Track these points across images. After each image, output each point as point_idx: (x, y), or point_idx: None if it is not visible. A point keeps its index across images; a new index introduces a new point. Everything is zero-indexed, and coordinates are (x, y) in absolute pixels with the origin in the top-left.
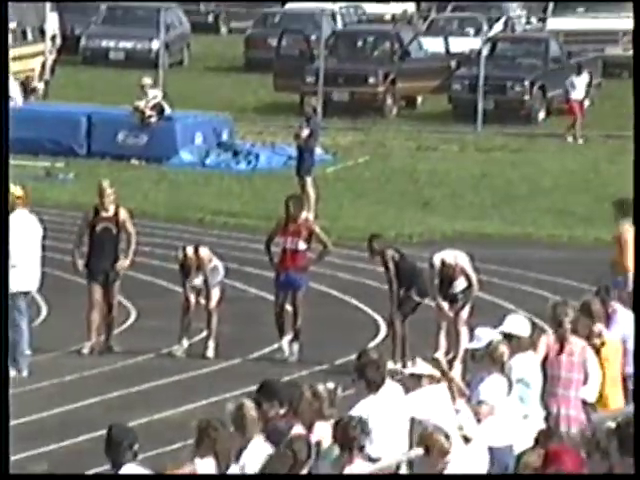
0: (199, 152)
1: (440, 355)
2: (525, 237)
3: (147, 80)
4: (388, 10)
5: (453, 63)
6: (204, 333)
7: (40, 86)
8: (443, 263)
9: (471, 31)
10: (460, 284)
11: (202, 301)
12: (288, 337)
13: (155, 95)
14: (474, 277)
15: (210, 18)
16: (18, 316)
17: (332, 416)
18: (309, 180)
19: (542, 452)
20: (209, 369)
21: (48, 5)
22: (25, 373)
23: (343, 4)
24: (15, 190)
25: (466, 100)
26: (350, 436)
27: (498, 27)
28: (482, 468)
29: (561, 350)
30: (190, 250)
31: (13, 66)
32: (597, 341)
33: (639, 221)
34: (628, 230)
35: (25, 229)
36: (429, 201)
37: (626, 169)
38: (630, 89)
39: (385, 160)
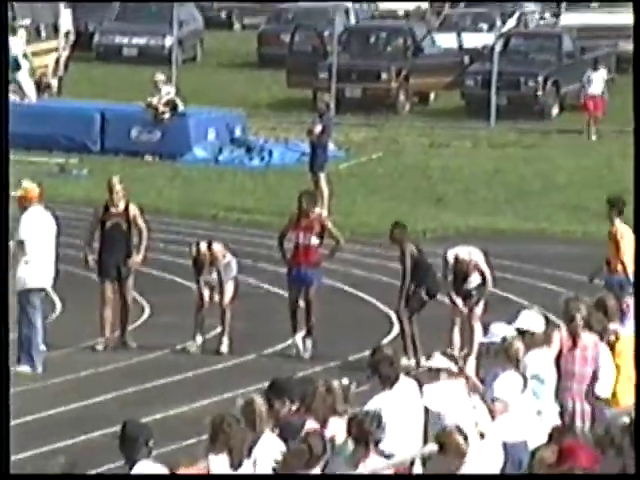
0: (212, 148)
1: (454, 351)
2: (539, 233)
3: (160, 76)
4: (401, 6)
5: (466, 59)
6: (218, 329)
7: (54, 82)
8: (457, 259)
9: (484, 27)
10: (474, 280)
11: (216, 297)
12: (301, 333)
13: (168, 91)
14: (488, 273)
15: (223, 14)
16: (33, 313)
17: (346, 412)
18: (322, 176)
19: (556, 448)
20: (223, 365)
21: (62, 2)
22: (40, 369)
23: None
24: (31, 187)
25: (479, 96)
26: (365, 430)
27: (511, 22)
28: (496, 464)
29: (574, 345)
30: (203, 245)
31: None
32: (612, 337)
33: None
34: (622, 227)
35: (40, 225)
36: (442, 197)
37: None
38: None
39: (398, 156)
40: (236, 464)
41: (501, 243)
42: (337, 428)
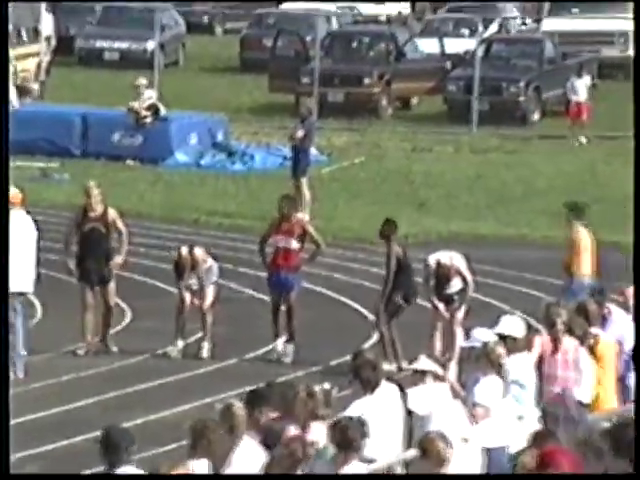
0: (194, 153)
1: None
2: (520, 238)
3: (142, 81)
4: (383, 11)
5: (448, 64)
6: (199, 334)
7: (35, 87)
8: (438, 264)
9: (466, 32)
10: (455, 285)
11: (197, 302)
12: (282, 338)
13: (150, 96)
14: (470, 278)
15: (205, 19)
16: (14, 317)
17: (327, 416)
18: (304, 181)
19: (537, 453)
20: (204, 370)
21: (43, 6)
22: (21, 374)
23: (339, 4)
24: (14, 192)
25: (461, 101)
26: (350, 438)
27: (493, 28)
28: (477, 469)
29: (556, 350)
30: (184, 250)
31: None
32: (593, 342)
33: (639, 223)
34: (580, 232)
35: (21, 230)
36: (424, 202)
37: (621, 170)
38: (626, 90)
39: (380, 161)
40: (216, 469)
41: (482, 248)
42: (318, 433)
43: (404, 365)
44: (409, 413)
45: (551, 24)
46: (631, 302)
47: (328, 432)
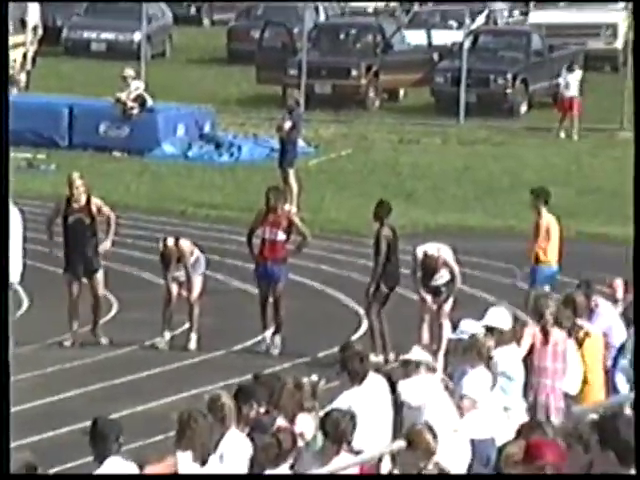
0: (181, 144)
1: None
2: (507, 230)
3: (129, 72)
4: (370, 3)
5: (435, 56)
6: (186, 325)
7: (22, 77)
8: (426, 255)
9: (454, 24)
10: (443, 276)
11: (184, 293)
12: (270, 330)
13: (137, 87)
14: (457, 270)
15: (193, 10)
16: None
17: (313, 408)
18: (291, 172)
19: (523, 444)
20: (191, 361)
21: None
22: None
23: None
24: None
25: (448, 93)
26: (340, 430)
27: (480, 20)
28: (464, 461)
29: (546, 341)
30: (170, 241)
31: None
32: (580, 334)
33: (639, 221)
34: (547, 218)
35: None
36: (412, 194)
37: (608, 162)
38: (612, 83)
39: (367, 153)
40: (203, 460)
41: (470, 240)
42: (305, 424)
43: (391, 357)
44: (400, 404)
45: (538, 16)
46: (618, 294)
47: (319, 424)
